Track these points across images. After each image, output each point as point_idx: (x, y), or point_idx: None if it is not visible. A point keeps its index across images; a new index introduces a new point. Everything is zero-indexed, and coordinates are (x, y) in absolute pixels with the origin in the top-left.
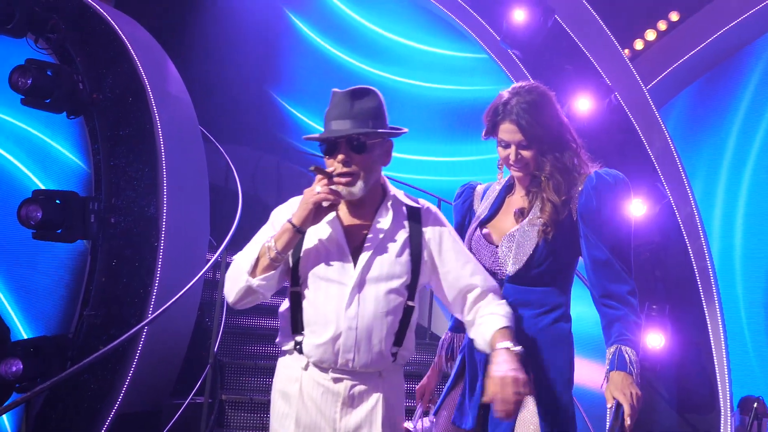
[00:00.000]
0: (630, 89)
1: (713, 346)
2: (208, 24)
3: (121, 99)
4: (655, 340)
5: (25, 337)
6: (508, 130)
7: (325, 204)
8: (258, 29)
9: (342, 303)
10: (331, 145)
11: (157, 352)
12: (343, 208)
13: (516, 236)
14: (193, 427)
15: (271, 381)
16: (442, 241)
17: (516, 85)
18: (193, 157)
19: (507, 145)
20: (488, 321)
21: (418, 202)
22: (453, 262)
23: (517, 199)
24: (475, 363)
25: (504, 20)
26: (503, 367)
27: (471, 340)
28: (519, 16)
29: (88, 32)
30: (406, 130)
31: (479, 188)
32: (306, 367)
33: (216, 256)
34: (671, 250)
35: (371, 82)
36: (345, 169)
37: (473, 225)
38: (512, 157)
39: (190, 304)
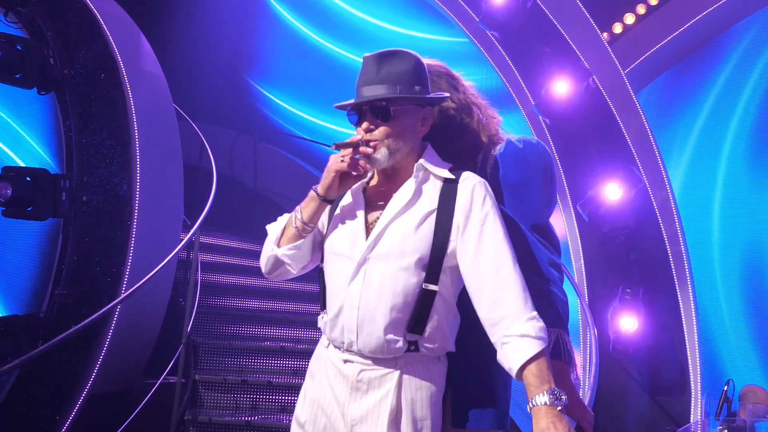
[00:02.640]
0: (608, 73)
1: (685, 330)
2: (184, 2)
3: (93, 75)
4: (629, 323)
5: (0, 314)
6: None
7: (354, 172)
8: (234, 9)
9: (347, 278)
10: (358, 113)
11: (130, 331)
12: (375, 179)
13: None
14: (166, 407)
15: (245, 362)
16: (470, 217)
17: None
18: (166, 136)
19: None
20: (516, 345)
21: (458, 176)
22: (472, 247)
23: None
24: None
25: (483, 1)
26: None
27: None
28: None
29: (60, 6)
30: (446, 95)
31: None
32: (327, 346)
33: (189, 235)
34: (646, 234)
35: (347, 67)
36: (367, 137)
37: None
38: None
39: (164, 283)
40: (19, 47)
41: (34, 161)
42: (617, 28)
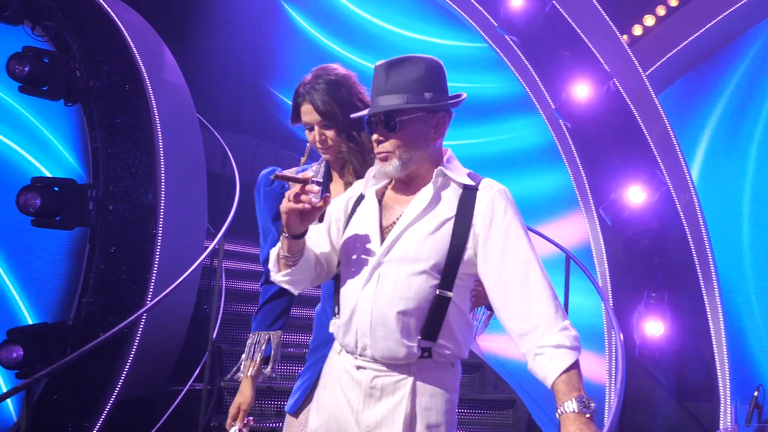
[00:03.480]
0: (629, 75)
1: (713, 334)
2: (205, 12)
3: (117, 86)
4: (655, 327)
5: (30, 322)
6: (306, 111)
7: (306, 209)
8: (253, 19)
9: (360, 282)
10: (369, 124)
11: (156, 338)
12: (393, 184)
13: None
14: (192, 413)
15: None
16: (492, 227)
17: (317, 67)
18: (190, 145)
19: (311, 128)
20: (551, 355)
21: (478, 182)
22: (496, 258)
23: (338, 188)
24: None
25: (501, 6)
26: None
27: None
28: (516, 1)
29: (85, 19)
30: (464, 95)
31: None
32: (339, 352)
33: (214, 243)
34: (670, 237)
35: (364, 75)
36: (378, 149)
37: None
38: (316, 138)
39: (189, 291)
40: (46, 60)
41: (63, 171)
42: (637, 30)
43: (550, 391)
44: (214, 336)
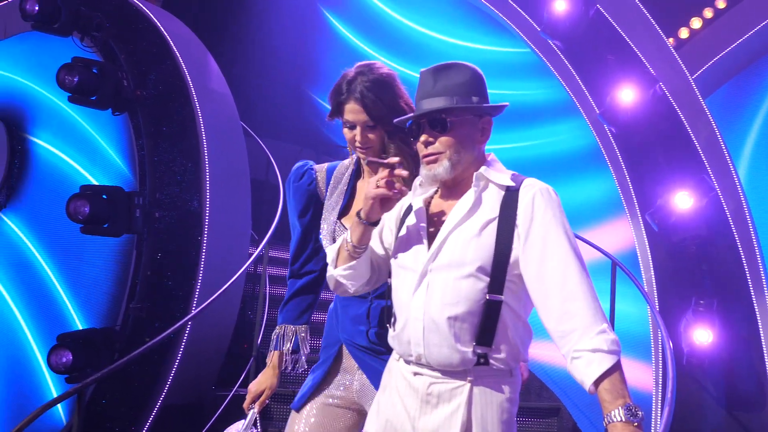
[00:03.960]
0: (675, 79)
1: (764, 342)
2: (247, 21)
3: (164, 95)
4: (703, 335)
5: (80, 327)
6: (352, 110)
7: (392, 195)
8: (295, 27)
9: (411, 291)
10: (416, 128)
11: (201, 344)
12: (439, 192)
13: None
14: (237, 418)
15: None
16: (532, 225)
17: (360, 63)
18: (234, 152)
19: (352, 126)
20: (588, 360)
21: (519, 183)
22: (536, 257)
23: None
24: (362, 352)
25: (544, 10)
26: None
27: (340, 327)
28: (560, 5)
29: (132, 30)
30: (507, 104)
31: (320, 170)
32: (398, 359)
33: (258, 250)
34: (719, 243)
35: (405, 82)
36: (427, 151)
37: (332, 216)
38: (358, 139)
39: (233, 297)
40: (94, 70)
41: (112, 178)
42: (683, 33)
43: (594, 398)
44: (259, 342)
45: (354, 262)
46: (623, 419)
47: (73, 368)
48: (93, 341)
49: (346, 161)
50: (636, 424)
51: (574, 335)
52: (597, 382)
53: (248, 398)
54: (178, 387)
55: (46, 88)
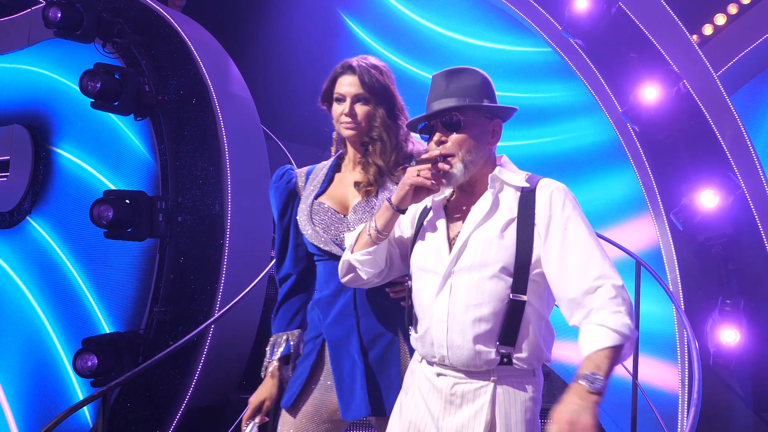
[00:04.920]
0: (699, 76)
1: None
2: (267, 25)
3: (185, 100)
4: (730, 336)
5: (107, 331)
6: (348, 83)
7: (428, 187)
8: (314, 31)
9: (433, 293)
10: (428, 128)
11: (224, 347)
12: (455, 195)
13: (371, 205)
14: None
15: None
16: (551, 223)
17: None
18: (256, 156)
19: (342, 99)
20: (591, 333)
21: (535, 183)
22: (556, 254)
23: (352, 173)
24: (340, 347)
25: (565, 9)
26: (567, 411)
27: (324, 325)
28: (581, 4)
29: (153, 35)
30: (515, 108)
31: (301, 171)
32: (420, 360)
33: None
34: (745, 242)
35: (424, 87)
36: (440, 150)
37: (309, 199)
38: (346, 111)
39: (256, 300)
40: (117, 76)
41: (134, 184)
42: (707, 30)
43: (621, 400)
44: None
45: (372, 248)
46: (581, 383)
47: (98, 372)
48: (117, 345)
49: (326, 161)
50: (589, 390)
51: (589, 312)
52: (584, 362)
53: (248, 411)
54: (201, 390)
55: (68, 94)
